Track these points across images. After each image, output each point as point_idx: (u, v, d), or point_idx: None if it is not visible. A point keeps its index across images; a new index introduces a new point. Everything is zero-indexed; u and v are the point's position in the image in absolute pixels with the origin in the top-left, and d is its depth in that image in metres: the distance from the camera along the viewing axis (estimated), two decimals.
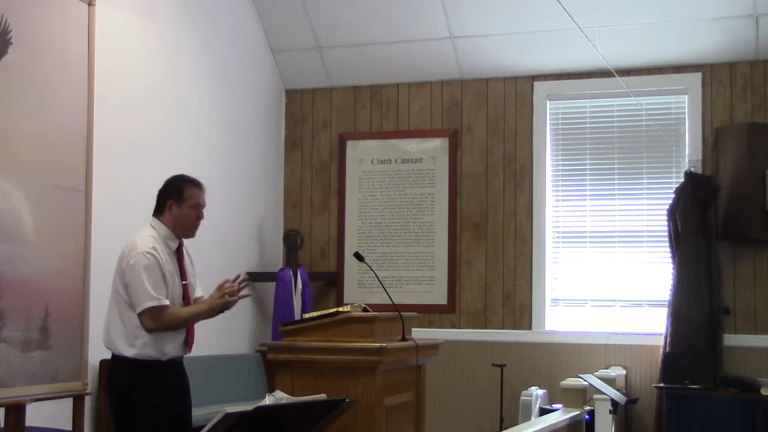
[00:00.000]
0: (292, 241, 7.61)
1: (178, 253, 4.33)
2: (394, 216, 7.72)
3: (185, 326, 4.26)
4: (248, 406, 3.25)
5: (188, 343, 4.32)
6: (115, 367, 4.22)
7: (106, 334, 4.22)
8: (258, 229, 7.69)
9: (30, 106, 4.54)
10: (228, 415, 3.09)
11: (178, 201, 4.29)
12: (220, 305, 4.25)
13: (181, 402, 4.29)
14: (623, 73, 6.96)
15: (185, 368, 4.38)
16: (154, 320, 4.10)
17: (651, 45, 7.10)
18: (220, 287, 4.27)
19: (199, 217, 4.34)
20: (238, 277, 4.38)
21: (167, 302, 4.15)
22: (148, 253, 4.14)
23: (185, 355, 4.37)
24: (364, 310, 4.54)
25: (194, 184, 4.37)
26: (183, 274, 4.31)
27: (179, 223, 4.30)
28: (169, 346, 4.21)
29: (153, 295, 4.09)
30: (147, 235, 4.23)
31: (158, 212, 4.33)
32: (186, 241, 4.41)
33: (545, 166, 7.44)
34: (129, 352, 4.13)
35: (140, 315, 4.10)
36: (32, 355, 4.45)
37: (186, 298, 4.30)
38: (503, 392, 6.95)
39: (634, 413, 6.94)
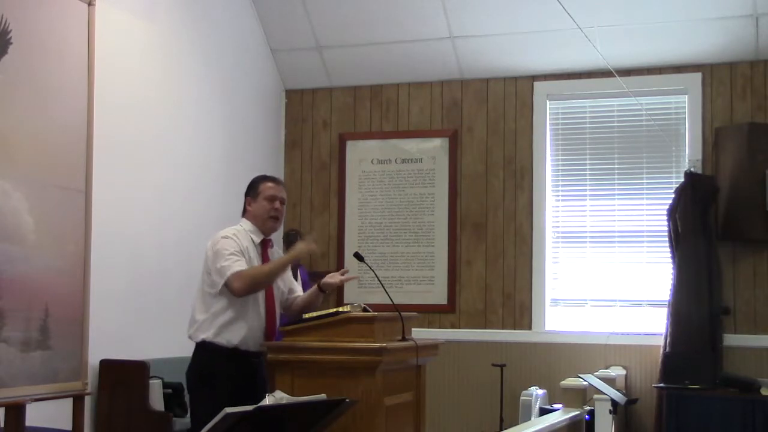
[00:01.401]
0: (292, 241, 7.59)
1: (263, 248, 4.48)
2: (394, 216, 7.72)
3: (273, 276, 4.38)
4: (248, 406, 3.25)
5: (269, 333, 4.43)
6: (194, 353, 4.40)
7: (189, 324, 4.40)
8: None
9: (30, 106, 4.54)
10: (228, 415, 3.09)
11: (254, 196, 4.52)
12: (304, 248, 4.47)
13: (246, 395, 4.27)
14: (623, 73, 6.96)
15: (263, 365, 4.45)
16: (239, 281, 4.23)
17: (651, 45, 7.10)
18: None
19: (276, 208, 4.50)
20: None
21: (243, 267, 4.28)
22: (227, 237, 4.35)
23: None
24: (364, 310, 4.54)
25: (269, 178, 4.60)
26: None
27: (257, 217, 4.48)
28: (244, 336, 4.32)
29: (230, 266, 4.24)
30: (231, 228, 4.45)
31: (243, 212, 4.55)
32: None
33: (545, 166, 7.44)
34: (203, 336, 4.30)
35: (227, 285, 4.25)
36: (32, 355, 4.44)
37: (268, 292, 4.44)
38: (503, 392, 6.94)
39: (634, 413, 6.94)
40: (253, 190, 4.56)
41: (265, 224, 4.50)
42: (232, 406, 4.08)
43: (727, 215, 6.85)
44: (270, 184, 4.56)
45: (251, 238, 4.45)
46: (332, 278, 4.63)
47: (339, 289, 7.75)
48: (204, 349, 4.33)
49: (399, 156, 7.76)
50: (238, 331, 4.32)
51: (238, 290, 4.26)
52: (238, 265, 4.28)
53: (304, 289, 7.28)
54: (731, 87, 7.07)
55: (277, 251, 4.61)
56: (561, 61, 7.35)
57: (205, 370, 4.33)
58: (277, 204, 4.52)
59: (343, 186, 7.87)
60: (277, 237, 7.83)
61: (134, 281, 6.01)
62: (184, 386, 4.81)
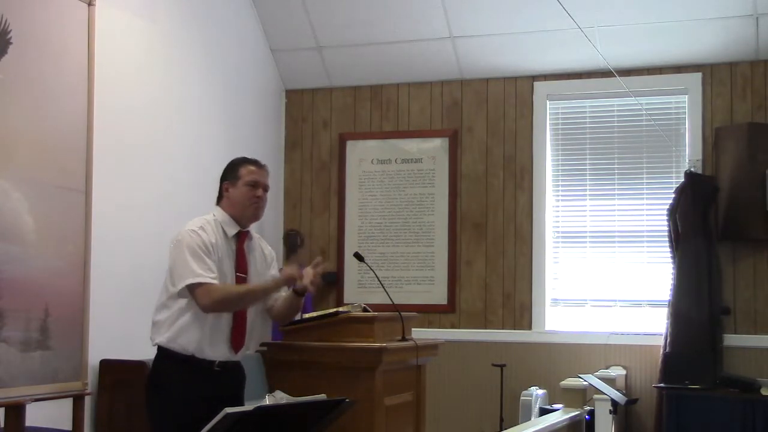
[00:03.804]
0: (292, 241, 7.61)
1: (238, 242, 3.99)
2: (394, 216, 7.72)
3: (245, 302, 3.90)
4: (248, 406, 3.25)
5: (234, 344, 3.95)
6: (154, 358, 3.97)
7: (151, 325, 3.96)
8: (258, 229, 7.65)
9: (30, 106, 4.54)
10: (228, 415, 3.09)
11: (234, 180, 4.00)
12: (285, 279, 3.95)
13: (206, 408, 3.66)
14: (623, 73, 6.95)
15: (231, 376, 4.03)
16: (207, 298, 3.76)
17: (651, 45, 7.10)
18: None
19: (258, 196, 3.97)
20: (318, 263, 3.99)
21: (214, 281, 3.79)
22: (193, 231, 3.84)
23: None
24: (364, 310, 4.55)
25: (250, 161, 4.06)
26: (240, 266, 3.96)
27: (236, 204, 3.97)
28: (200, 343, 3.85)
29: (196, 272, 3.76)
30: (200, 219, 3.95)
31: (219, 199, 4.06)
32: None
33: (545, 166, 7.44)
34: (158, 339, 3.89)
35: (193, 295, 3.78)
36: (32, 355, 4.44)
37: None
38: (503, 392, 6.94)
39: (634, 413, 6.94)
40: (232, 173, 4.02)
41: (244, 214, 3.97)
42: (186, 417, 3.72)
43: (727, 215, 6.85)
44: (252, 168, 4.01)
45: (223, 231, 3.93)
46: (306, 277, 3.96)
47: (339, 289, 7.76)
48: (160, 353, 3.90)
49: (399, 156, 7.76)
50: (195, 336, 3.84)
51: (205, 307, 3.79)
52: (208, 274, 3.78)
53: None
54: (731, 87, 7.07)
55: (253, 248, 4.09)
56: (561, 61, 7.35)
57: (159, 377, 3.91)
58: (260, 191, 3.99)
59: (343, 186, 7.86)
60: (277, 238, 7.85)
61: (134, 281, 6.01)
62: None
